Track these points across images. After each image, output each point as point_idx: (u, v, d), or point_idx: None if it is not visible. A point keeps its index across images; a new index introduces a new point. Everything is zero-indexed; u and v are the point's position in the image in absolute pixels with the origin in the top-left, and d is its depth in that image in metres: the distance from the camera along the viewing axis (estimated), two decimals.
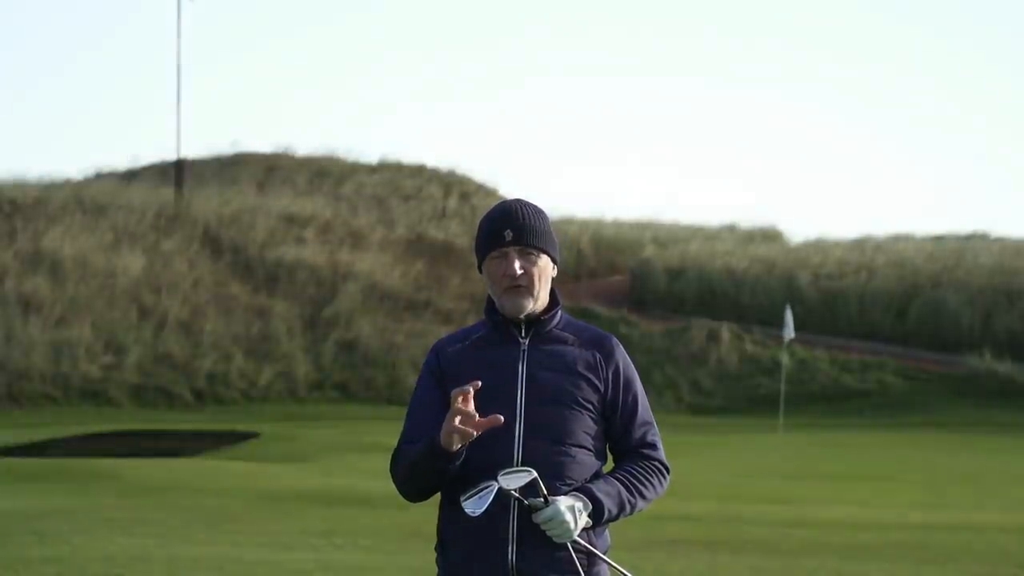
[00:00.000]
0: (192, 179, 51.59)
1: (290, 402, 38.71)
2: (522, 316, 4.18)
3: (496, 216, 4.23)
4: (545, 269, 4.22)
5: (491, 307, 4.25)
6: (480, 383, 3.96)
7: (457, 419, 3.91)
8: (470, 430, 3.92)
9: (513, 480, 3.95)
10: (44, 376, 37.07)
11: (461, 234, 51.17)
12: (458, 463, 4.01)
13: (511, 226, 4.19)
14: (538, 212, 4.25)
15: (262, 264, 44.92)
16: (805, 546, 13.65)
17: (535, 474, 3.95)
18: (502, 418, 3.97)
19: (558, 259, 4.28)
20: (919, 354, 41.43)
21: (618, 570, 4.14)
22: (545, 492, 3.97)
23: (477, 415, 3.92)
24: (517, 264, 4.16)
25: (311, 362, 40.40)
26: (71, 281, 40.97)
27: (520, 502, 3.99)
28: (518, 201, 4.27)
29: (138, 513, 15.51)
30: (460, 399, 3.91)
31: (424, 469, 4.05)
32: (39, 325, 38.51)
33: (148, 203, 47.03)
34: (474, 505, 3.94)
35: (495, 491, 3.94)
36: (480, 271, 4.27)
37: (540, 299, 4.21)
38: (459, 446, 3.95)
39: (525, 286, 4.17)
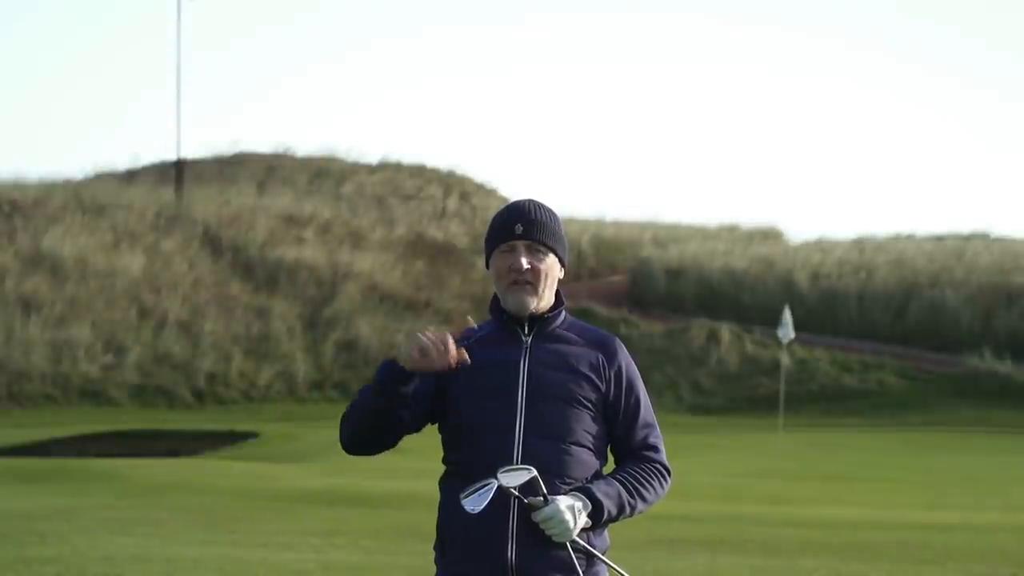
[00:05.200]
0: (192, 179, 51.55)
1: (290, 402, 38.69)
2: (526, 314, 4.18)
3: (507, 211, 4.26)
4: (552, 268, 4.22)
5: (496, 304, 4.25)
6: (468, 359, 4.01)
7: (432, 343, 3.96)
8: (432, 357, 3.96)
9: (513, 478, 3.95)
10: (44, 376, 37.05)
11: (461, 234, 51.14)
12: (407, 391, 4.02)
13: (521, 221, 4.20)
14: (550, 212, 4.26)
15: (262, 264, 44.87)
16: (805, 546, 13.64)
17: (535, 472, 3.95)
18: (468, 359, 4.01)
19: (567, 261, 4.27)
20: (919, 354, 41.37)
21: (616, 570, 4.14)
22: (544, 491, 3.97)
23: (453, 354, 3.97)
24: (524, 259, 4.16)
25: (311, 362, 40.37)
26: (71, 281, 40.94)
27: (520, 500, 3.99)
28: (530, 200, 4.29)
29: (138, 513, 15.49)
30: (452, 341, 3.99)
31: (374, 393, 4.05)
32: (39, 325, 38.48)
33: (148, 203, 46.97)
34: (473, 502, 3.94)
35: (495, 488, 3.94)
36: (488, 267, 4.26)
37: (545, 298, 4.21)
38: (414, 369, 3.98)
39: (531, 282, 4.17)
